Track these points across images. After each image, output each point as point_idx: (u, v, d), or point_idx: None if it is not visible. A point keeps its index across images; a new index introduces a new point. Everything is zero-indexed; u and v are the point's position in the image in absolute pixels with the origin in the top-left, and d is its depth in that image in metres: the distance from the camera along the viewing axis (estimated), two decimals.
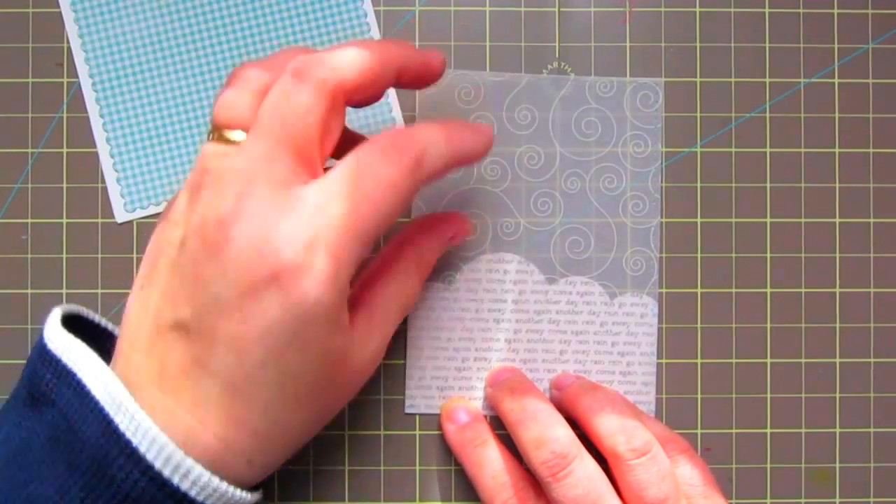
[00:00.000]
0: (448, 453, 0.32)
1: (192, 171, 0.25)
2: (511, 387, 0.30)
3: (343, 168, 0.24)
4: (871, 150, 0.33)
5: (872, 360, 0.33)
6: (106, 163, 0.32)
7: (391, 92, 0.33)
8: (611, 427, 0.28)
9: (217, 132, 0.25)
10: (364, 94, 0.25)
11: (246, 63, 0.26)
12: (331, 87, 0.24)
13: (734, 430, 0.32)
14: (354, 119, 0.32)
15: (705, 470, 0.29)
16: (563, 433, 0.28)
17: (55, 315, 0.26)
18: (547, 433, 0.28)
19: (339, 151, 0.27)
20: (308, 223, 0.23)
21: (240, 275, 0.22)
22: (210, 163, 0.24)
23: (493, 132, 0.27)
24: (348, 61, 0.24)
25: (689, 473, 0.28)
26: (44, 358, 0.24)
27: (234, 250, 0.23)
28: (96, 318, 0.29)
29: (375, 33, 0.32)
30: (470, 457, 0.30)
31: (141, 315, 0.24)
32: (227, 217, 0.23)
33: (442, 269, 0.32)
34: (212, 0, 0.32)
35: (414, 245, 0.29)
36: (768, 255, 0.33)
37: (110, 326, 0.29)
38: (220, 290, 0.23)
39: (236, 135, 0.25)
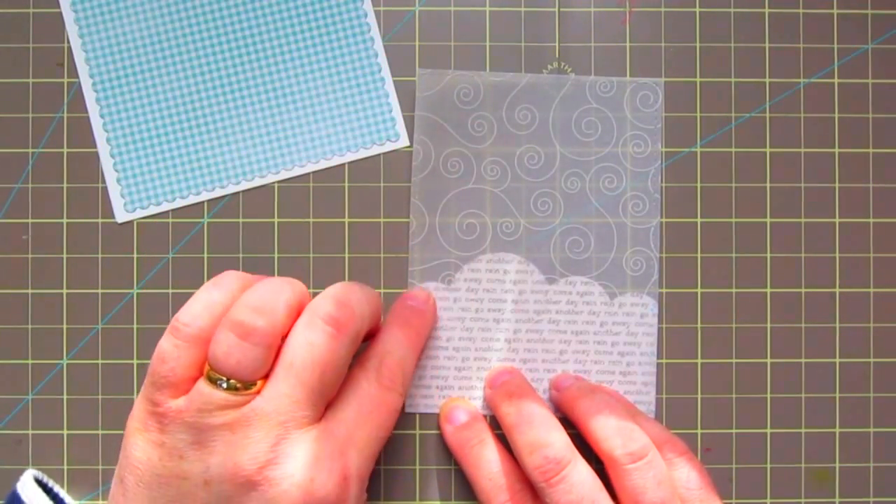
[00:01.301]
0: (447, 453, 0.32)
1: (192, 412, 0.25)
2: (509, 390, 0.30)
3: (353, 401, 0.27)
4: (870, 150, 0.33)
5: (872, 360, 0.33)
6: (106, 163, 0.32)
7: (391, 92, 0.33)
8: (608, 430, 0.28)
9: (229, 382, 0.25)
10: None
11: (215, 293, 0.27)
12: (360, 338, 0.27)
13: (734, 430, 0.32)
14: (355, 120, 0.32)
15: (703, 473, 0.29)
16: (558, 438, 0.28)
17: (29, 479, 0.30)
18: (542, 438, 0.28)
19: None
20: (340, 456, 0.26)
21: None
22: (228, 412, 0.25)
23: (434, 302, 0.32)
24: (368, 310, 0.28)
25: (686, 476, 0.28)
26: None
27: (274, 491, 0.25)
28: (56, 487, 0.31)
29: (375, 33, 0.33)
30: (468, 457, 0.30)
31: None
32: (267, 463, 0.25)
33: (442, 269, 0.32)
34: (212, 0, 0.32)
35: None
36: (768, 255, 0.33)
37: (68, 499, 0.31)
38: None
39: (252, 385, 0.26)
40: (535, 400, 0.30)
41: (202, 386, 0.25)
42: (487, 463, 0.29)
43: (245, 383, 0.25)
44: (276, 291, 0.27)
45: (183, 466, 0.25)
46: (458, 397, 0.32)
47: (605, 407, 0.29)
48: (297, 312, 0.27)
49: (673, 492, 0.27)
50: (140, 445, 0.26)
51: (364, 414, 0.27)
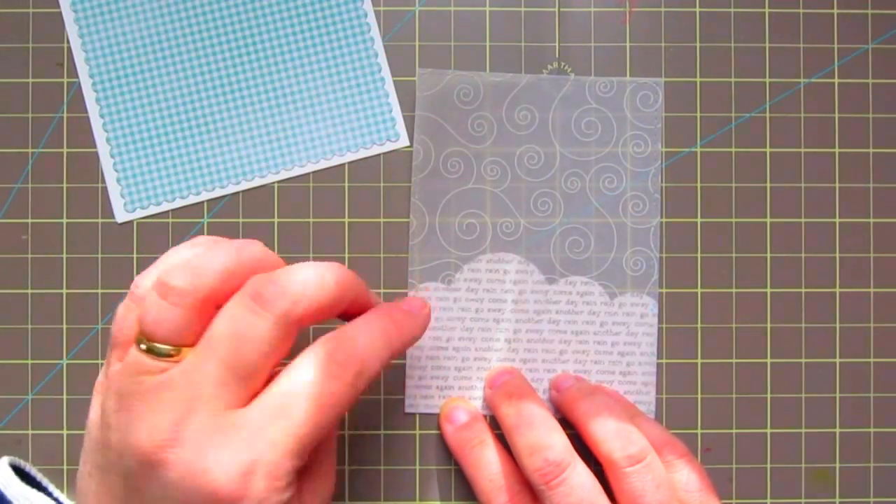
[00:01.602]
0: (447, 453, 0.32)
1: (121, 375, 0.24)
2: (509, 391, 0.30)
3: (283, 386, 0.24)
4: (870, 150, 0.33)
5: (872, 360, 0.33)
6: (106, 163, 0.32)
7: (391, 92, 0.33)
8: (607, 433, 0.28)
9: (148, 344, 0.24)
10: (317, 320, 0.25)
11: (176, 256, 0.26)
12: (291, 320, 0.24)
13: (734, 430, 0.32)
14: (355, 120, 0.32)
15: (703, 474, 0.29)
16: (557, 440, 0.28)
17: (3, 464, 0.29)
18: (542, 440, 0.28)
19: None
20: (247, 448, 0.23)
21: (179, 502, 0.23)
22: (144, 378, 0.24)
23: (429, 311, 0.29)
24: (311, 292, 0.24)
25: (686, 478, 0.28)
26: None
27: (172, 475, 0.23)
28: (33, 471, 0.31)
29: (375, 33, 0.33)
30: (468, 457, 0.30)
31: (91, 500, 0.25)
32: (165, 442, 0.23)
33: (442, 269, 0.32)
34: (212, 0, 0.32)
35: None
36: (768, 255, 0.33)
37: (45, 482, 0.31)
38: None
39: (170, 350, 0.24)
40: (535, 401, 0.29)
41: (132, 349, 0.24)
42: (487, 464, 0.29)
43: (164, 348, 0.24)
44: (215, 254, 0.25)
45: (107, 434, 0.24)
46: (458, 397, 0.32)
47: (604, 409, 0.29)
48: (241, 279, 0.25)
49: (672, 494, 0.27)
50: (93, 406, 0.25)
51: (291, 401, 0.24)
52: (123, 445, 0.23)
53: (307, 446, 0.24)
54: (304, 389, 0.24)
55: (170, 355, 0.24)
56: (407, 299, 0.29)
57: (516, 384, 0.31)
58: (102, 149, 0.32)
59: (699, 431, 0.32)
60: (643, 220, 0.33)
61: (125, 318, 0.25)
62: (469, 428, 0.31)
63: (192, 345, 0.24)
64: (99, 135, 0.32)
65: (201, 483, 0.23)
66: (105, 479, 0.24)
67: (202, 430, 0.23)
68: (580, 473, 0.27)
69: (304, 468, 0.26)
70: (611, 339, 0.32)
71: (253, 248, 0.26)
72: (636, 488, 0.27)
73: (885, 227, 0.33)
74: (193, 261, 0.24)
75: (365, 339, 0.25)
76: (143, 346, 0.24)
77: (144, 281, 0.25)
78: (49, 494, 0.31)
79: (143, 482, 0.23)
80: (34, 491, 0.30)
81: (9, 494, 0.29)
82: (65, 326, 0.32)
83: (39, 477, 0.31)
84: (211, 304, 0.24)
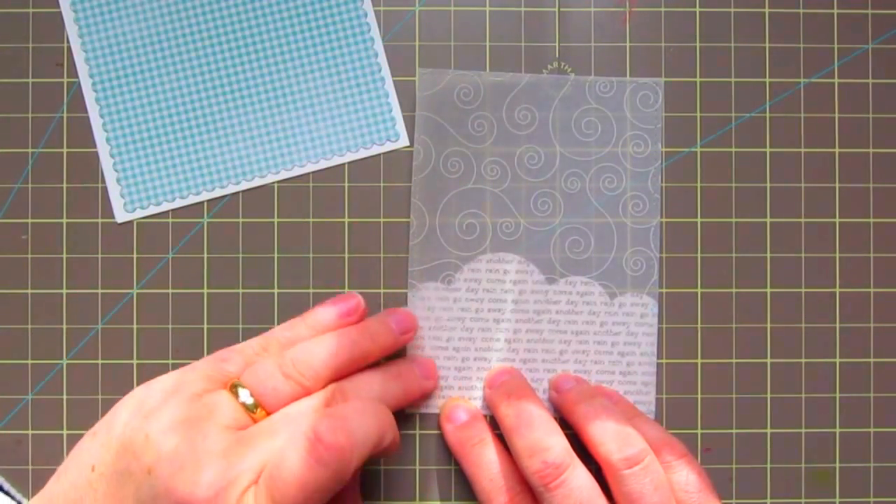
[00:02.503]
0: (447, 453, 0.32)
1: (197, 401, 0.26)
2: (508, 391, 0.30)
3: (273, 467, 0.24)
4: (870, 150, 0.33)
5: (872, 360, 0.33)
6: (106, 163, 0.32)
7: (391, 92, 0.33)
8: (605, 435, 0.28)
9: (245, 393, 0.27)
10: None
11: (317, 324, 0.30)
12: (347, 474, 0.25)
13: (734, 430, 0.32)
14: (355, 120, 0.32)
15: (702, 475, 0.29)
16: (557, 442, 0.28)
17: None
18: (541, 442, 0.28)
19: None
20: (227, 463, 0.25)
21: None
22: (220, 424, 0.26)
23: (435, 369, 0.32)
24: (370, 444, 0.26)
25: (685, 479, 0.28)
26: None
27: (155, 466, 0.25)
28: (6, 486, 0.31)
29: (375, 33, 0.33)
30: (468, 456, 0.30)
31: (86, 498, 0.26)
32: (201, 497, 0.24)
33: (442, 269, 0.32)
34: (212, 0, 0.32)
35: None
36: (768, 255, 0.33)
37: (12, 492, 0.31)
38: None
39: (252, 405, 0.27)
40: (534, 401, 0.30)
41: (222, 391, 0.27)
42: (488, 463, 0.29)
43: (252, 402, 0.27)
44: (339, 350, 0.28)
45: (144, 445, 0.25)
46: (458, 397, 0.32)
47: (602, 412, 0.29)
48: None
49: (670, 496, 0.27)
50: (126, 406, 0.27)
51: (279, 486, 0.24)
52: (160, 467, 0.25)
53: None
54: (290, 476, 0.24)
55: (251, 411, 0.27)
56: (419, 360, 0.32)
57: (516, 384, 0.31)
58: (102, 149, 0.32)
59: (699, 431, 0.32)
60: (643, 220, 0.33)
61: (272, 380, 0.27)
62: (469, 427, 0.31)
63: (269, 412, 0.27)
64: (99, 135, 0.32)
65: (180, 481, 0.24)
66: (118, 482, 0.25)
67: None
68: (579, 475, 0.28)
69: None
70: (611, 339, 0.32)
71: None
72: (634, 490, 0.27)
73: (885, 227, 0.33)
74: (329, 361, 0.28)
75: (360, 424, 0.26)
76: (241, 399, 0.27)
77: (311, 373, 0.28)
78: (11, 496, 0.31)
79: None
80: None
81: None
82: (65, 326, 0.32)
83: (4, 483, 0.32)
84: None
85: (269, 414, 0.27)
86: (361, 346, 0.29)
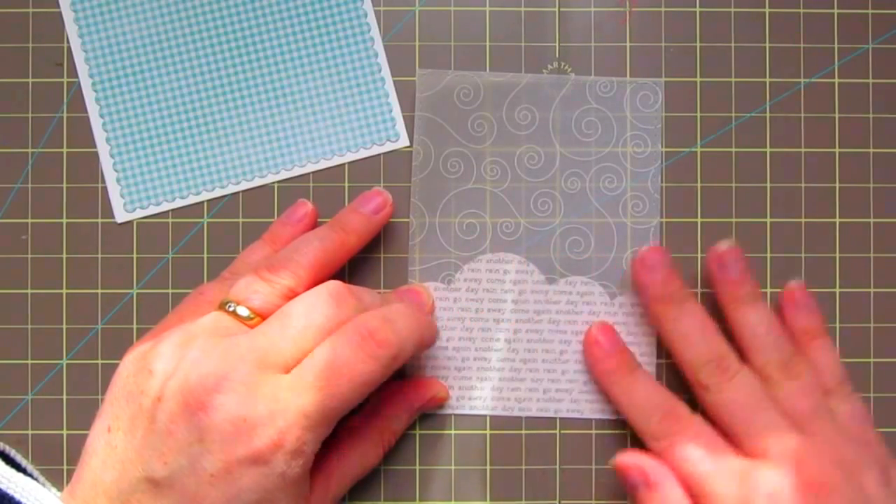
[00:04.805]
0: (447, 453, 0.32)
1: (190, 324, 0.27)
2: (674, 298, 0.30)
3: (319, 360, 0.25)
4: (871, 150, 0.33)
5: (872, 359, 0.33)
6: (106, 163, 0.32)
7: (391, 92, 0.33)
8: (765, 344, 0.29)
9: (232, 305, 0.27)
10: None
11: (276, 238, 0.31)
12: (397, 363, 0.26)
13: None
14: (355, 120, 0.32)
15: (837, 361, 0.31)
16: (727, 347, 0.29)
17: None
18: (719, 347, 0.29)
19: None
20: (283, 409, 0.24)
21: (217, 447, 0.24)
22: (214, 333, 0.26)
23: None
24: (415, 339, 0.27)
25: (850, 410, 0.30)
26: None
27: (213, 420, 0.24)
28: (21, 460, 0.30)
29: (375, 33, 0.33)
30: (619, 383, 0.30)
31: (108, 459, 0.25)
32: (211, 385, 0.24)
33: (442, 269, 0.32)
34: (212, 0, 0.32)
35: (382, 416, 0.30)
36: (768, 255, 0.33)
37: (30, 468, 0.30)
38: (195, 456, 0.24)
39: (247, 315, 0.27)
40: (698, 310, 0.30)
41: (214, 312, 0.27)
42: (643, 385, 0.30)
43: (246, 313, 0.27)
44: (305, 251, 0.28)
45: (151, 382, 0.25)
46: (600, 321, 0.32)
47: (767, 319, 0.30)
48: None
49: (823, 404, 0.29)
50: (124, 363, 0.27)
51: (327, 376, 0.25)
52: (170, 386, 0.25)
53: (335, 417, 0.25)
54: (338, 366, 0.25)
55: (250, 318, 0.27)
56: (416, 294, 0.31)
57: (675, 290, 0.30)
58: (102, 149, 0.32)
59: None
60: (643, 220, 0.33)
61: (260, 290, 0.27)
62: (617, 356, 0.31)
63: (265, 317, 0.27)
64: (99, 135, 0.32)
65: (241, 431, 0.24)
66: (134, 428, 0.25)
67: (246, 382, 0.25)
68: (750, 374, 0.29)
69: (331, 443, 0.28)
70: None
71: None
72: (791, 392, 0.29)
73: (885, 227, 0.33)
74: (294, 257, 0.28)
75: (405, 324, 0.27)
76: (230, 308, 0.27)
77: (294, 283, 0.28)
78: (34, 478, 0.30)
79: (179, 425, 0.24)
80: (12, 471, 0.28)
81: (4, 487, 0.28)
82: (65, 326, 0.32)
83: (22, 461, 0.31)
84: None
85: (263, 319, 0.27)
86: (333, 237, 0.29)
